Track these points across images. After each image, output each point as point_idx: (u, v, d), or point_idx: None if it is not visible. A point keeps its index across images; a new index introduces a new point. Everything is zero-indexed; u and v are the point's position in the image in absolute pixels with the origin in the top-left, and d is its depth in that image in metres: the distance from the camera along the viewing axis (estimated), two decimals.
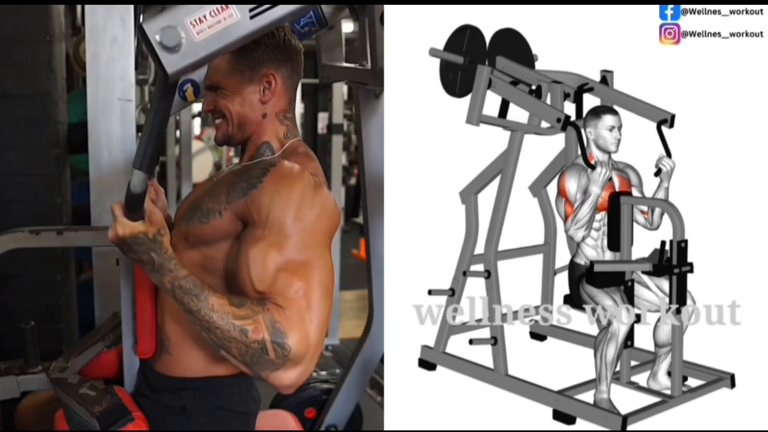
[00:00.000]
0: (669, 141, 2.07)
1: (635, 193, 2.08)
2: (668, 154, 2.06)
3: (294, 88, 1.59)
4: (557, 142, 2.37)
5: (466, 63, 2.11)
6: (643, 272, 1.97)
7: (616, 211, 1.98)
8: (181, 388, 1.52)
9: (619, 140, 2.00)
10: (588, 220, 1.98)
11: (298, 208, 1.34)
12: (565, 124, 1.95)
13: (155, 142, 1.21)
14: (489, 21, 2.12)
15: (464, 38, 2.13)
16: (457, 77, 2.14)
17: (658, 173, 2.04)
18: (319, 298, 1.30)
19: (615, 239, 2.00)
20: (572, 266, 2.07)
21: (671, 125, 2.05)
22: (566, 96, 2.22)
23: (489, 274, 2.11)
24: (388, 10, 1.88)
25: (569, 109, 2.23)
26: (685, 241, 1.91)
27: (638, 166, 2.11)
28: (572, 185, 2.01)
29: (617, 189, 2.00)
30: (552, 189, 2.38)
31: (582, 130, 2.04)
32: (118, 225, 1.26)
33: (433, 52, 2.14)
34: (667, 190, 2.05)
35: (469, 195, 2.24)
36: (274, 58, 1.53)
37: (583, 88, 2.22)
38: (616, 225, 1.98)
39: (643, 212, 2.09)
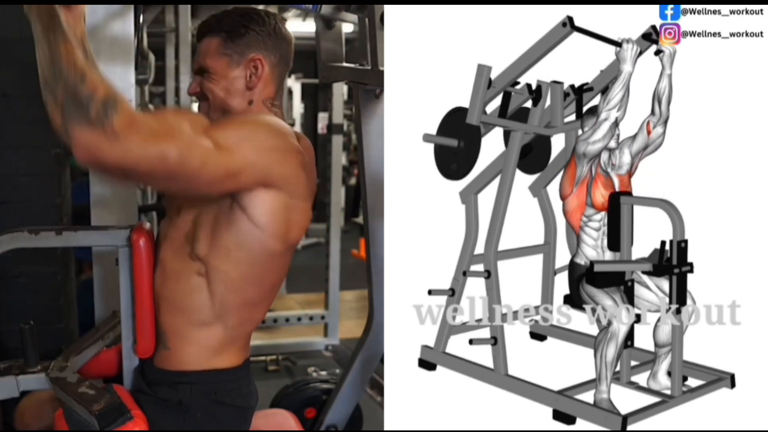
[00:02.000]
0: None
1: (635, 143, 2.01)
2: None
3: (282, 76, 1.59)
4: (557, 142, 2.38)
5: (461, 146, 2.10)
6: (643, 272, 1.97)
7: (616, 211, 1.98)
8: (179, 382, 1.52)
9: (618, 136, 1.99)
10: (620, 100, 1.84)
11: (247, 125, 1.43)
12: (572, 25, 1.90)
13: None
14: (489, 21, 2.12)
15: (456, 120, 2.11)
16: (459, 164, 2.12)
17: (658, 53, 1.97)
18: (180, 143, 1.24)
19: (615, 239, 1.99)
20: (572, 266, 2.06)
21: (657, 35, 2.00)
22: (566, 96, 2.22)
23: (489, 274, 2.11)
24: (388, 10, 1.88)
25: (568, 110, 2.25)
26: (685, 241, 1.91)
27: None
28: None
29: (617, 189, 1.99)
30: (552, 189, 2.38)
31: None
32: None
33: (427, 138, 2.13)
34: (671, 77, 1.97)
35: (469, 195, 2.24)
36: (262, 45, 1.54)
37: (582, 88, 2.22)
38: (616, 225, 1.98)
39: (647, 127, 1.98)
